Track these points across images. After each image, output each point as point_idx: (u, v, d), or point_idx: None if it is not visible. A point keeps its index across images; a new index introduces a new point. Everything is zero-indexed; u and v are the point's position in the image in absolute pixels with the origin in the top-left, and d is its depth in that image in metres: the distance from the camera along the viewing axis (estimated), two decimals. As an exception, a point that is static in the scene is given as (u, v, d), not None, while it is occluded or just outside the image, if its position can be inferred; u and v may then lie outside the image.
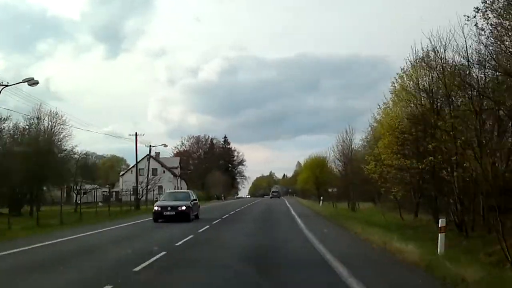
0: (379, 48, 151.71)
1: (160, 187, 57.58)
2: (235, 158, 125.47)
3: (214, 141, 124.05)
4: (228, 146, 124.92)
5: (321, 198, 53.61)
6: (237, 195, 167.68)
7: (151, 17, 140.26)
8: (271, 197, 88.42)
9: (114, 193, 60.55)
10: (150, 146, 44.63)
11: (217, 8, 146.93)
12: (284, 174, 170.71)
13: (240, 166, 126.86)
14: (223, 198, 64.01)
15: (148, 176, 42.14)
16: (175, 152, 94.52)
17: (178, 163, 60.91)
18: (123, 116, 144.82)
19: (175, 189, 61.84)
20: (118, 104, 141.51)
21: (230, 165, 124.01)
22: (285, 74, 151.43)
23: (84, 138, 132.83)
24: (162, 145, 45.70)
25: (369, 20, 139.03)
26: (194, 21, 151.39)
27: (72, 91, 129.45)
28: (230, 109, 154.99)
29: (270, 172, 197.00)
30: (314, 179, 59.14)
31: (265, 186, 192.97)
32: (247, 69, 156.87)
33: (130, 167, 56.69)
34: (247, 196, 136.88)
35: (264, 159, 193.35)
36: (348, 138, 39.67)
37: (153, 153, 67.28)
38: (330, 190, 53.97)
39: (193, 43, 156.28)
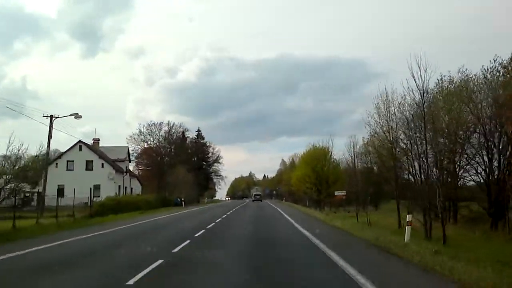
0: (358, 50, 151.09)
1: (97, 187, 40.15)
2: (210, 155, 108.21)
3: (187, 135, 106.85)
4: (202, 141, 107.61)
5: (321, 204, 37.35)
6: (214, 197, 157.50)
7: (130, 15, 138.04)
8: (253, 200, 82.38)
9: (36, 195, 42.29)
10: (51, 117, 26.66)
11: (196, 8, 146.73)
12: (264, 175, 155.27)
13: (216, 164, 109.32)
14: (183, 203, 46.17)
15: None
16: (136, 150, 76.12)
17: (126, 154, 43.48)
18: (101, 117, 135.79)
19: (119, 190, 43.98)
20: (96, 104, 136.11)
21: (204, 163, 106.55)
22: (264, 75, 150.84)
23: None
24: (72, 115, 27.47)
25: (349, 22, 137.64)
26: (172, 20, 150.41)
27: (49, 90, 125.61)
28: (208, 110, 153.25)
29: (250, 173, 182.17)
30: (313, 178, 42.44)
31: (244, 187, 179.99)
32: (226, 70, 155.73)
33: (54, 158, 39.32)
34: (226, 199, 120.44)
35: (243, 160, 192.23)
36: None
37: (98, 143, 49.26)
38: (338, 193, 37.49)
39: (172, 43, 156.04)
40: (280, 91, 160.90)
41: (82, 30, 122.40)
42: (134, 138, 69.62)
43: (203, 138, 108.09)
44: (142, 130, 70.69)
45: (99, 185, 40.01)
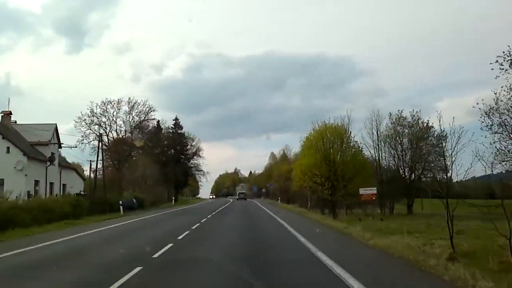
0: (345, 48, 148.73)
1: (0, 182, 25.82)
2: (189, 147, 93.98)
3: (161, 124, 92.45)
4: (180, 132, 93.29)
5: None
6: (197, 195, 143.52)
7: (115, 10, 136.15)
8: (238, 199, 76.63)
9: None
10: None
11: (183, 4, 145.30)
12: (251, 172, 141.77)
13: (197, 158, 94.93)
14: (121, 209, 30.50)
15: None
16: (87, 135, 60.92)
17: (51, 135, 29.06)
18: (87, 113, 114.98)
19: (35, 187, 29.10)
20: (81, 101, 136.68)
21: (182, 156, 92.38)
22: (251, 72, 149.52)
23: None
24: None
25: (336, 20, 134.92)
26: (159, 16, 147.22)
27: (33, 86, 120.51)
28: (194, 107, 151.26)
29: (235, 169, 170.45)
30: (325, 170, 28.66)
31: (229, 184, 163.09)
32: (213, 67, 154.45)
33: None
34: (210, 197, 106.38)
35: (229, 158, 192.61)
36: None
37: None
38: (366, 191, 24.19)
39: (158, 39, 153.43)
40: (267, 88, 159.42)
41: (67, 25, 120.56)
42: (84, 120, 54.71)
43: (181, 128, 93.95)
44: (94, 110, 55.60)
45: (2, 179, 25.88)
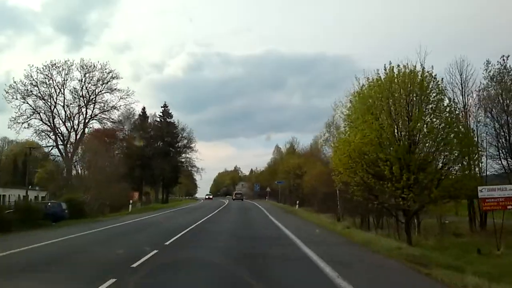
0: (345, 46, 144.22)
1: None
2: (180, 138, 79.92)
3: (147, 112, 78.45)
4: (170, 120, 79.35)
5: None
6: (195, 194, 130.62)
7: (115, 9, 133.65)
8: (234, 199, 70.86)
9: None
10: None
11: (183, 2, 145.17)
12: (252, 170, 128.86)
13: (189, 152, 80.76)
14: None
15: None
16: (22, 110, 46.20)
17: None
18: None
19: None
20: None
21: (171, 149, 78.40)
22: (251, 71, 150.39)
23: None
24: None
25: (336, 18, 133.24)
26: (158, 15, 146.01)
27: None
28: (195, 106, 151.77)
29: (235, 167, 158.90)
30: (402, 149, 14.48)
31: (228, 183, 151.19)
32: (213, 66, 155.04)
33: None
34: (206, 197, 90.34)
35: (228, 156, 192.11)
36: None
37: None
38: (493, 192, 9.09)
39: (158, 38, 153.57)
40: (267, 87, 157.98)
41: (67, 23, 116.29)
42: (18, 90, 40.44)
43: (171, 116, 79.97)
44: (34, 76, 41.25)
45: None
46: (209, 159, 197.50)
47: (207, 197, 79.25)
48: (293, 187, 49.96)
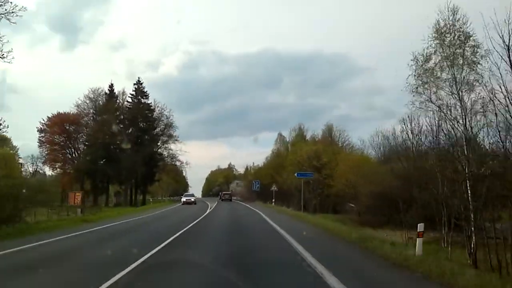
0: (341, 44, 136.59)
1: None
2: (156, 122, 62.28)
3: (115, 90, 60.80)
4: (145, 101, 61.91)
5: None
6: (188, 191, 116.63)
7: (109, 7, 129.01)
8: (222, 200, 61.22)
9: None
10: None
11: (178, 0, 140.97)
12: (247, 167, 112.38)
13: (170, 142, 63.12)
14: None
15: None
16: None
17: None
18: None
19: None
20: (76, 98, 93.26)
21: (147, 137, 60.93)
22: (246, 69, 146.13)
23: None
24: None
25: (332, 16, 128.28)
26: (153, 13, 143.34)
27: (28, 84, 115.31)
28: (189, 105, 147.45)
29: (229, 165, 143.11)
30: None
31: (222, 181, 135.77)
32: (208, 64, 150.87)
33: None
34: (184, 200, 67.51)
35: (222, 155, 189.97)
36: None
37: None
38: None
39: (153, 36, 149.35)
40: (262, 86, 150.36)
41: (62, 22, 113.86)
42: None
43: (147, 96, 62.57)
44: None
45: None
46: (203, 158, 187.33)
47: (186, 199, 50.22)
48: (316, 185, 32.91)
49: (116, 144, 58.18)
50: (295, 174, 27.07)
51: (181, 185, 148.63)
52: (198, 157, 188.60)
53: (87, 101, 61.35)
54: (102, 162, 56.37)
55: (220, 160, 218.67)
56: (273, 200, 37.61)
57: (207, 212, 26.16)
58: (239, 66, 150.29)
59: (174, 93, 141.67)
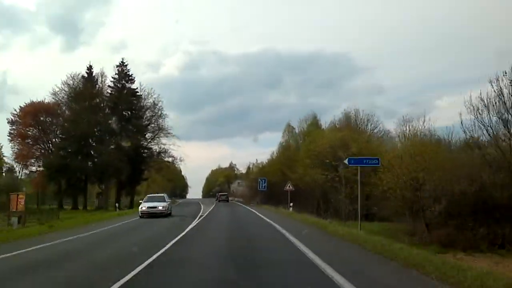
0: (342, 44, 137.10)
1: None
2: (144, 111, 52.60)
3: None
4: (130, 86, 52.32)
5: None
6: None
7: (110, 8, 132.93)
8: (219, 201, 58.36)
9: None
10: None
11: (179, 1, 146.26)
12: (249, 166, 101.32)
13: (161, 134, 53.28)
14: None
15: None
16: None
17: None
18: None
19: None
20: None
21: (131, 127, 51.22)
22: (247, 69, 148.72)
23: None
24: None
25: (333, 16, 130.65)
26: (154, 13, 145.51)
27: (29, 85, 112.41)
28: (190, 105, 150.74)
29: (230, 164, 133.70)
30: None
31: (222, 181, 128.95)
32: (209, 64, 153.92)
33: None
34: (143, 211, 51.06)
35: (224, 156, 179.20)
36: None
37: None
38: None
39: (154, 36, 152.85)
40: (263, 86, 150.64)
41: (62, 22, 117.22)
42: None
43: (132, 80, 53.02)
44: None
45: None
46: (203, 159, 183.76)
47: (146, 208, 24.94)
48: (347, 183, 23.27)
49: (95, 137, 48.63)
50: (345, 161, 17.11)
51: (179, 184, 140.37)
52: (199, 157, 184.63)
53: (66, 89, 51.93)
54: (77, 157, 46.79)
55: (221, 161, 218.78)
56: (291, 205, 27.36)
57: (189, 228, 16.11)
58: (239, 66, 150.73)
59: (175, 94, 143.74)
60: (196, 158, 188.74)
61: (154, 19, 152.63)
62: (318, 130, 38.74)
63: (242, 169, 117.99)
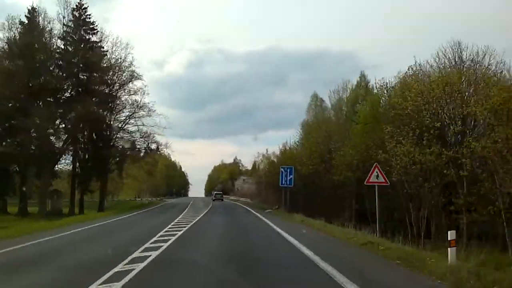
0: (349, 42, 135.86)
1: None
2: (115, 71, 36.42)
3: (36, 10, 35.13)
4: (91, 38, 36.21)
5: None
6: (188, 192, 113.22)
7: (115, 5, 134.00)
8: (214, 200, 55.78)
9: None
10: None
11: None
12: (255, 162, 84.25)
13: (139, 112, 37.16)
14: None
15: None
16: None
17: None
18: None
19: None
20: None
21: (95, 99, 34.87)
22: (253, 68, 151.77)
23: None
24: None
25: (339, 14, 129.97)
26: (160, 11, 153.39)
27: None
28: (196, 103, 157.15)
29: (235, 159, 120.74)
30: None
31: (225, 177, 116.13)
32: (214, 63, 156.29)
33: None
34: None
35: (229, 154, 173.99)
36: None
37: None
38: None
39: (159, 34, 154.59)
40: (269, 84, 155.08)
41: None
42: None
43: (94, 31, 36.81)
44: None
45: None
46: (208, 157, 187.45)
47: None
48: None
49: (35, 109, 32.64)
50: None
51: (178, 182, 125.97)
52: (205, 155, 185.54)
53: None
54: (6, 138, 30.97)
55: (226, 158, 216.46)
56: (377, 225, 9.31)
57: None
58: (245, 64, 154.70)
59: (180, 92, 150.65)
60: (200, 156, 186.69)
61: (159, 17, 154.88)
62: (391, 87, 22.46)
63: (248, 166, 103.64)
